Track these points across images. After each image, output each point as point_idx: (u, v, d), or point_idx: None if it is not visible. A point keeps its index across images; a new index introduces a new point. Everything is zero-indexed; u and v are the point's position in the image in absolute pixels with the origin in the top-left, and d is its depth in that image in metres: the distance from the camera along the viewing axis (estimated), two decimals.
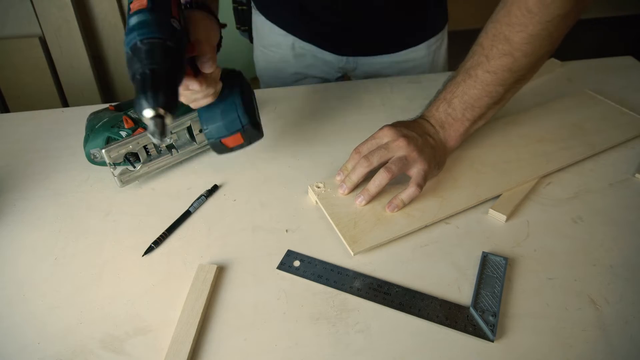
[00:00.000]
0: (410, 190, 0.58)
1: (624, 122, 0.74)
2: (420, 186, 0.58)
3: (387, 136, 0.60)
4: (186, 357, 0.44)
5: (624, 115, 0.75)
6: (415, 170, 0.59)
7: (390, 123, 0.63)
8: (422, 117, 0.65)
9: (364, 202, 0.59)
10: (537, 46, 0.57)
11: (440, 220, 0.59)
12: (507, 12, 0.57)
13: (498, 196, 0.62)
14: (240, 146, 0.61)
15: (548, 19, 0.54)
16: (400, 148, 0.59)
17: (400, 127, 0.61)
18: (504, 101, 0.63)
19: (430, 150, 0.61)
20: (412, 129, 0.61)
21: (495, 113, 0.64)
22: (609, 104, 0.78)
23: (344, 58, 0.94)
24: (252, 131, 0.60)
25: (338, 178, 0.62)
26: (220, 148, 0.60)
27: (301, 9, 0.87)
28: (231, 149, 0.61)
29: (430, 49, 0.95)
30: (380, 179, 0.58)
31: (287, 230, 0.58)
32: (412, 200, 0.59)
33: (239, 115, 0.58)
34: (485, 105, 0.62)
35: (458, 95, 0.62)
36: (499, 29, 0.58)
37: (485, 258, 0.54)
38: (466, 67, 0.62)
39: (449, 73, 0.67)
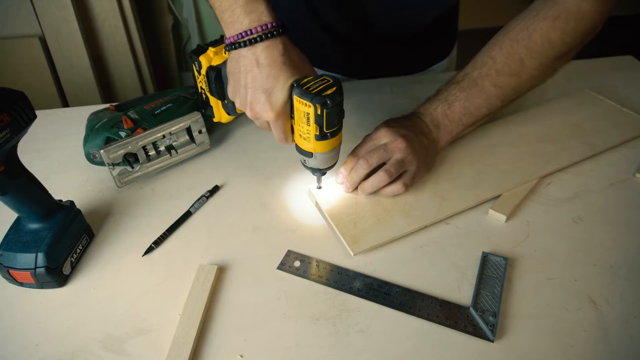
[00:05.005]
0: (395, 187, 0.59)
1: (624, 122, 0.74)
2: (407, 186, 0.59)
3: (385, 137, 0.60)
4: (187, 357, 0.44)
5: (624, 115, 0.75)
6: (407, 171, 0.59)
7: (384, 121, 0.63)
8: (417, 113, 0.65)
9: (350, 190, 0.60)
10: (542, 74, 0.63)
11: (440, 221, 0.59)
12: (528, 36, 0.60)
13: (498, 196, 0.61)
14: (31, 285, 0.52)
15: (558, 55, 0.60)
16: (399, 150, 0.59)
17: (397, 127, 0.61)
18: (493, 114, 0.66)
19: (423, 152, 0.61)
20: (408, 128, 0.61)
21: (480, 124, 0.67)
22: (609, 103, 0.78)
23: None
24: (45, 276, 0.51)
25: (338, 179, 0.62)
26: (8, 277, 0.52)
27: (328, 47, 0.86)
28: (20, 284, 0.53)
29: (451, 60, 0.95)
30: (378, 180, 0.58)
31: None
32: (390, 194, 0.60)
33: (38, 254, 0.50)
34: (482, 115, 0.64)
35: (461, 99, 0.63)
36: (516, 49, 0.61)
37: (485, 258, 0.54)
38: (474, 75, 0.63)
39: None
